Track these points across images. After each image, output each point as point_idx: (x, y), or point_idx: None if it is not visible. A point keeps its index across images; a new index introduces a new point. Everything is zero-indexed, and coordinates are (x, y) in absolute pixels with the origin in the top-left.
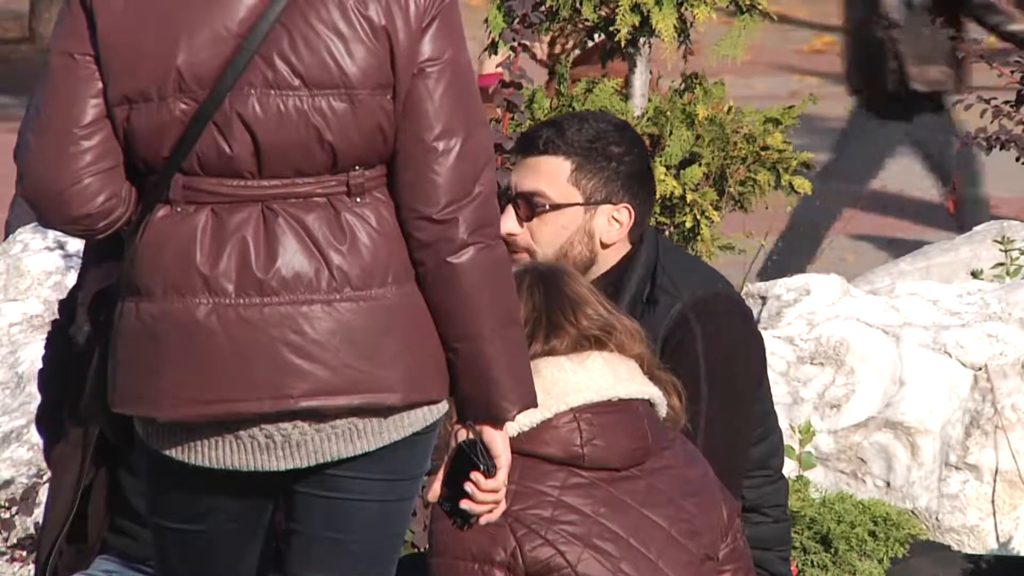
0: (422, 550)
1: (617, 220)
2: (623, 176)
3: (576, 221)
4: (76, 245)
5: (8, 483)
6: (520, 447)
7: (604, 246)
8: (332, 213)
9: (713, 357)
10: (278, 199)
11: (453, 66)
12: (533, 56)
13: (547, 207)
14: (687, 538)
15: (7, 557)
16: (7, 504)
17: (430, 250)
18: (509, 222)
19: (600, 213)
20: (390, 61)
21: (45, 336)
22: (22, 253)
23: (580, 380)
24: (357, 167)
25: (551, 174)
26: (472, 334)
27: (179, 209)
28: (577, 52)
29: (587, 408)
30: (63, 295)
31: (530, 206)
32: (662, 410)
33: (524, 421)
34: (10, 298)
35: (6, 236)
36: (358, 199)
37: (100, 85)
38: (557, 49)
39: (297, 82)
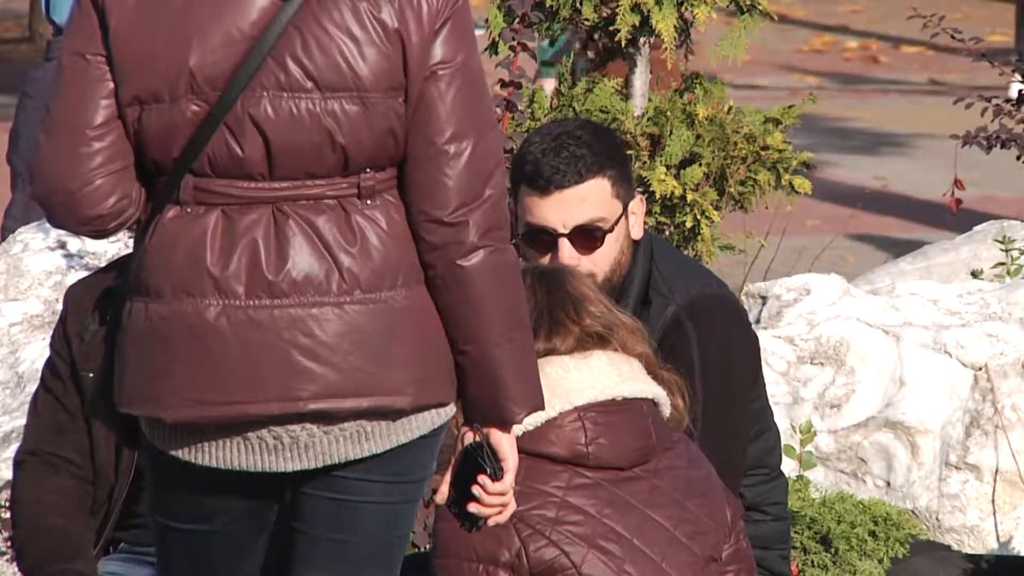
0: (422, 550)
1: (635, 212)
2: (628, 169)
3: (623, 230)
4: (77, 245)
5: (8, 483)
6: (524, 446)
7: (634, 242)
8: (342, 215)
9: (707, 358)
10: (288, 201)
11: (464, 69)
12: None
13: (611, 229)
14: (690, 539)
15: (7, 557)
16: (7, 504)
17: (440, 253)
18: (568, 259)
19: (628, 212)
20: (402, 64)
21: (45, 336)
22: (22, 253)
23: (584, 379)
24: (368, 169)
25: (598, 197)
26: (481, 337)
27: (189, 210)
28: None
29: (591, 407)
30: (63, 295)
31: (595, 234)
32: (666, 410)
33: (528, 420)
34: (10, 298)
35: (3, 239)
36: (368, 201)
37: (112, 85)
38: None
39: (310, 84)
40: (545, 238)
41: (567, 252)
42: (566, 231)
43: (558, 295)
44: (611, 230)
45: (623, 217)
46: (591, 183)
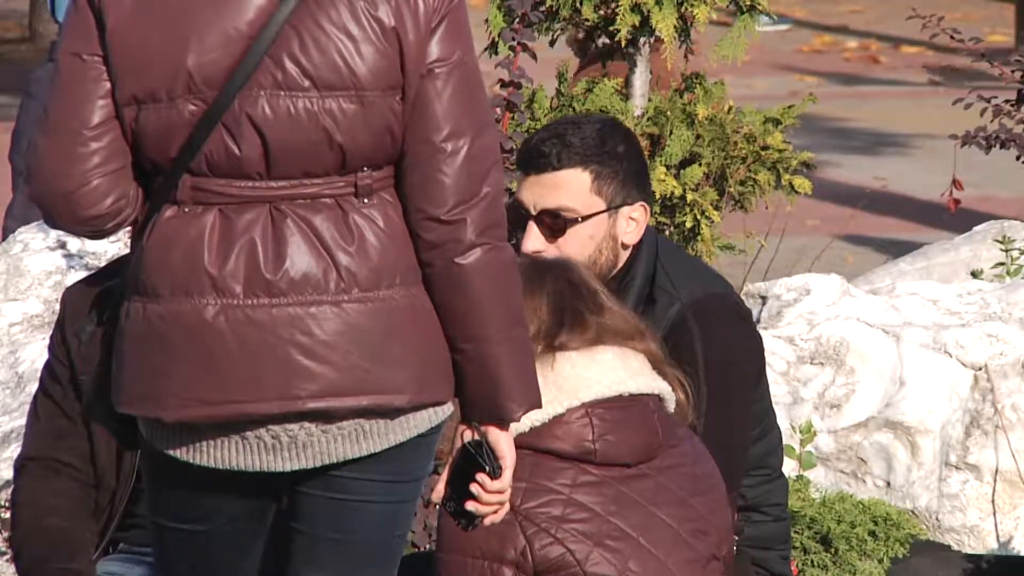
0: (422, 549)
1: (634, 219)
2: (633, 174)
3: (602, 229)
4: (77, 245)
5: (8, 483)
6: (531, 443)
7: (625, 247)
8: (340, 214)
9: (711, 357)
10: (286, 200)
11: (461, 67)
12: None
13: (577, 220)
14: (694, 537)
15: (7, 557)
16: (7, 504)
17: (438, 251)
18: (534, 240)
19: (620, 216)
20: (399, 62)
21: (45, 336)
22: (22, 253)
23: (591, 375)
24: (365, 168)
25: (573, 187)
26: (479, 335)
27: (187, 210)
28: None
29: (599, 403)
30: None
31: (559, 222)
32: (671, 406)
33: (536, 417)
34: (10, 298)
35: (3, 239)
36: (366, 200)
37: (109, 85)
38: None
39: (307, 83)
40: (520, 215)
41: (533, 233)
42: (534, 213)
43: (575, 288)
44: (579, 221)
45: (607, 217)
46: (567, 172)
